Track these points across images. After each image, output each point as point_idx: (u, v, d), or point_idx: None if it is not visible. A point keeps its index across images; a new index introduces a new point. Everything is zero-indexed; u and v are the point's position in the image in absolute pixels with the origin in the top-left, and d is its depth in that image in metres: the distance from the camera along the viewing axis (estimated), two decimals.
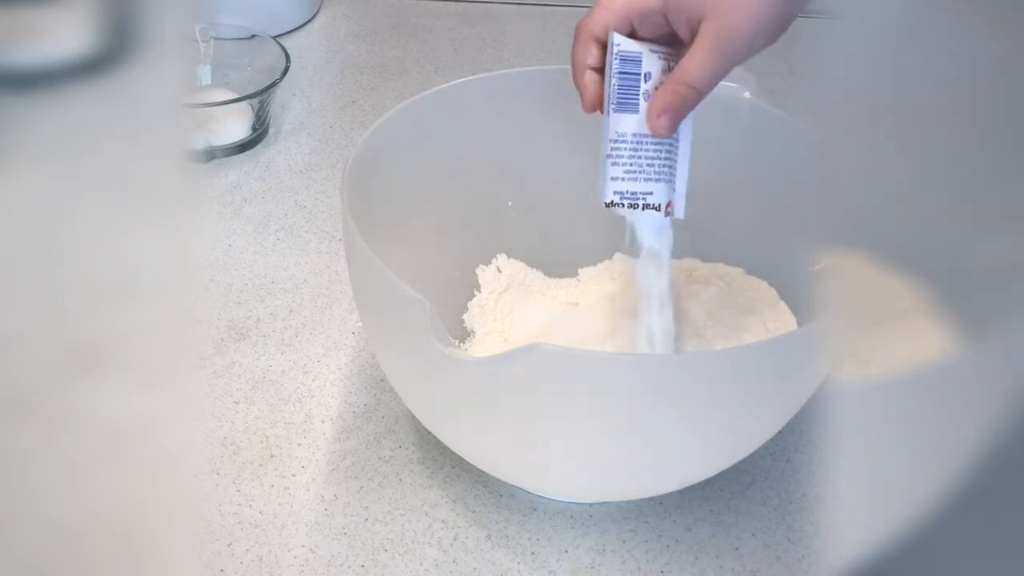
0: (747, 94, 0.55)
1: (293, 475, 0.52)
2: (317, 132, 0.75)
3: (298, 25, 0.87)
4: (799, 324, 0.53)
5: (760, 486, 0.52)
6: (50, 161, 0.33)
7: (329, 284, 0.63)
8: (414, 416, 0.52)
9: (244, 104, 0.72)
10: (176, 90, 0.33)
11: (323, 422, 0.55)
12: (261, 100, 0.72)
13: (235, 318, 0.60)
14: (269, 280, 0.63)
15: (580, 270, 0.59)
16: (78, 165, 0.33)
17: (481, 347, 0.55)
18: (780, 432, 0.49)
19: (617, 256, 0.59)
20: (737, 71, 0.55)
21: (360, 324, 0.59)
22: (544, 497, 0.51)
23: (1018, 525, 0.31)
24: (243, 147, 0.73)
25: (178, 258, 0.35)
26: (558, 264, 0.59)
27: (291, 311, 0.61)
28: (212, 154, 0.71)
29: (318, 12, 0.89)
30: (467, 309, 0.57)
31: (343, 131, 0.75)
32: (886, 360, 0.29)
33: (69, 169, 0.33)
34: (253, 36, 0.76)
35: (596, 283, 0.58)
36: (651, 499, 0.51)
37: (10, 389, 0.35)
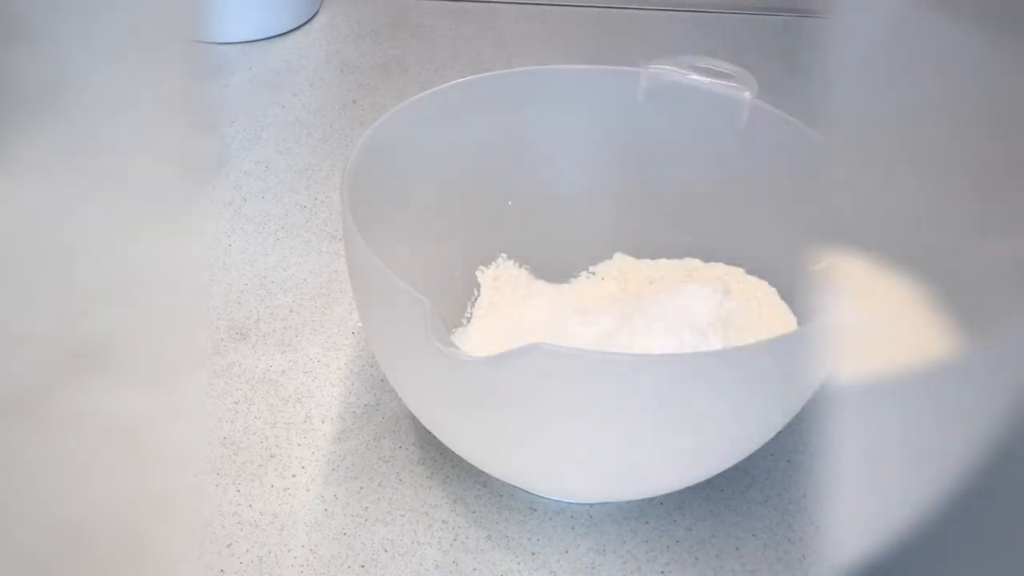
0: (747, 94, 0.55)
1: (293, 475, 0.52)
2: (317, 132, 0.75)
3: (298, 25, 0.87)
4: (799, 324, 0.53)
5: (760, 486, 0.52)
6: (52, 162, 0.33)
7: (329, 284, 0.63)
8: (414, 416, 0.52)
9: None
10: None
11: (323, 422, 0.55)
12: None
13: (235, 318, 0.60)
14: (269, 280, 0.63)
15: (580, 270, 0.59)
16: (80, 166, 0.33)
17: (480, 346, 0.55)
18: (780, 432, 0.49)
19: (617, 256, 0.59)
20: (737, 71, 0.55)
21: (360, 324, 0.59)
22: (544, 497, 0.51)
23: (1018, 525, 0.31)
24: None
25: (178, 258, 0.35)
26: (558, 264, 0.59)
27: (291, 311, 0.61)
28: None
29: (318, 12, 0.89)
30: (467, 309, 0.57)
31: (343, 131, 0.75)
32: (886, 360, 0.29)
33: (71, 170, 0.33)
34: None
35: (596, 283, 0.58)
36: (651, 499, 0.51)
37: (12, 388, 0.35)
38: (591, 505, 0.51)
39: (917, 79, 0.39)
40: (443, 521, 0.50)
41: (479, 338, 0.56)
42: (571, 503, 0.51)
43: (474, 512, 0.51)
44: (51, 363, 0.35)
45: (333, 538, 0.49)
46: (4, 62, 0.33)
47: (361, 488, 0.52)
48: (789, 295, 0.55)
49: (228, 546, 0.49)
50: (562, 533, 0.50)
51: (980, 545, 0.31)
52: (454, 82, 0.56)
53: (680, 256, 0.58)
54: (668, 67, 0.56)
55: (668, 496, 0.52)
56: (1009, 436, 0.30)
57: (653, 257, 0.59)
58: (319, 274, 0.63)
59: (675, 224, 0.59)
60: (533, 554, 0.49)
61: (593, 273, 0.59)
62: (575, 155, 0.59)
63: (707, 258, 0.58)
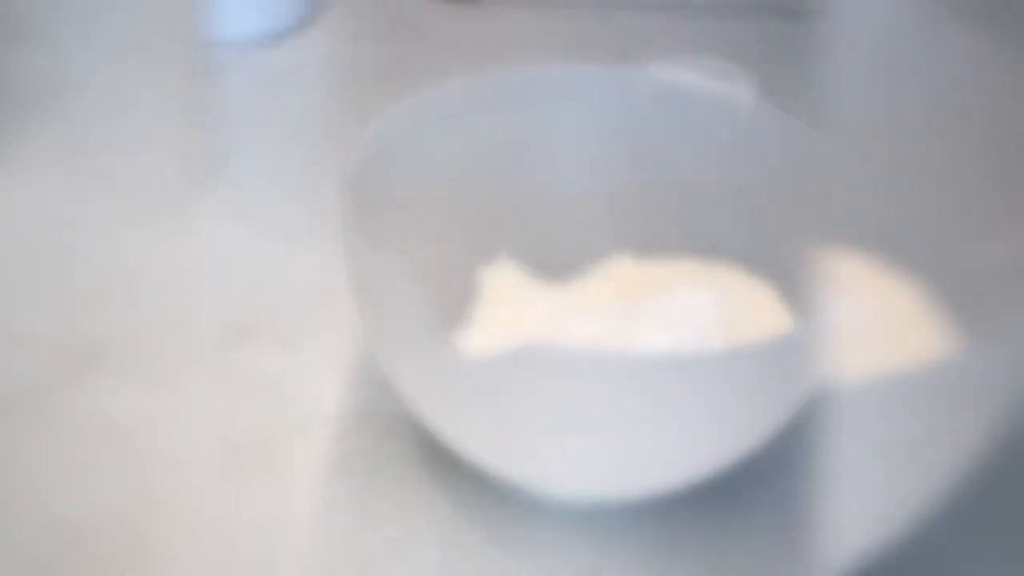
0: (747, 94, 0.55)
1: (293, 475, 0.52)
2: (317, 132, 0.75)
3: (298, 25, 0.87)
4: (799, 324, 0.53)
5: (760, 486, 0.52)
6: (52, 162, 0.33)
7: (329, 284, 0.63)
8: (414, 416, 0.52)
9: None
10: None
11: (323, 422, 0.54)
12: None
13: (235, 318, 0.60)
14: (269, 280, 0.63)
15: (580, 270, 0.59)
16: (80, 166, 0.33)
17: (480, 346, 0.55)
18: (780, 432, 0.49)
19: (617, 256, 0.59)
20: (737, 71, 0.55)
21: (360, 324, 0.59)
22: (544, 497, 0.51)
23: (1018, 525, 0.31)
24: None
25: (178, 258, 0.35)
26: (558, 264, 0.59)
27: (291, 311, 0.61)
28: None
29: (318, 12, 0.89)
30: (467, 309, 0.57)
31: (343, 131, 0.75)
32: (886, 360, 0.29)
33: (71, 170, 0.33)
34: None
35: (596, 283, 0.58)
36: (651, 499, 0.51)
37: (12, 388, 0.35)
38: (591, 505, 0.51)
39: (917, 79, 0.39)
40: (443, 521, 0.50)
41: (479, 338, 0.56)
42: (571, 503, 0.51)
43: (474, 512, 0.51)
44: (51, 363, 0.35)
45: (333, 538, 0.49)
46: (4, 62, 0.33)
47: (361, 488, 0.52)
48: (789, 295, 0.55)
49: (228, 546, 0.49)
50: (562, 533, 0.50)
51: (980, 545, 0.31)
52: (454, 82, 0.56)
53: (680, 256, 0.58)
54: (668, 67, 0.56)
55: (668, 496, 0.52)
56: (1009, 436, 0.30)
57: (653, 257, 0.59)
58: (319, 274, 0.63)
59: (675, 224, 0.59)
60: (533, 554, 0.49)
61: (593, 273, 0.59)
62: (575, 155, 0.59)
63: (706, 258, 0.58)
